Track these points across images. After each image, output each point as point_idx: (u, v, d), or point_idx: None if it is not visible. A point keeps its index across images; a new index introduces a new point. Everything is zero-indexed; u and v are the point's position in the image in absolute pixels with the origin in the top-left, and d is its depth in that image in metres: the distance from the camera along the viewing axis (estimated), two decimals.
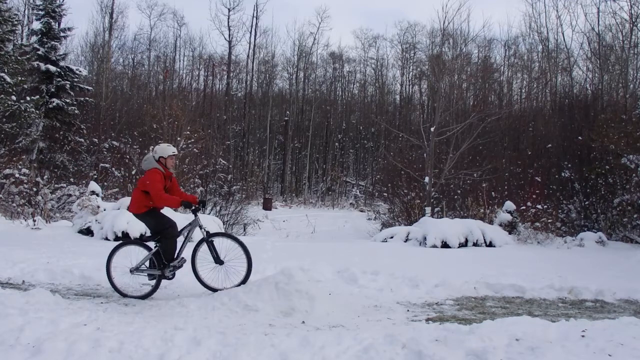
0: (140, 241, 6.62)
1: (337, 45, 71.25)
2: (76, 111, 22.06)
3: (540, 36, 30.89)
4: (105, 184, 18.60)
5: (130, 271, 5.95)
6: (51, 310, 4.67)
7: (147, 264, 5.96)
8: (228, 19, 39.95)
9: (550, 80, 29.29)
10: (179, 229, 5.99)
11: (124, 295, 5.95)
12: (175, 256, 5.89)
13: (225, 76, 41.60)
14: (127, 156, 20.26)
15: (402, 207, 17.38)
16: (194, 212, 5.92)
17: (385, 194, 20.42)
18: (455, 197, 17.32)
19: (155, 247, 5.89)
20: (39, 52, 21.33)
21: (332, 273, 7.23)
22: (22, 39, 27.51)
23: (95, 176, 18.79)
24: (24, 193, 15.56)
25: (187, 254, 6.02)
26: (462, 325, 4.47)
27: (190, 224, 6.05)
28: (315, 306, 5.17)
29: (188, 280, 6.89)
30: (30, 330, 3.91)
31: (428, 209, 15.25)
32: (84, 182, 17.60)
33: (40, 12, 22.15)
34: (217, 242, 5.96)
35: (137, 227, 11.25)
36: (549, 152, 19.12)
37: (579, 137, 16.16)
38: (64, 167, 20.74)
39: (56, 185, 17.85)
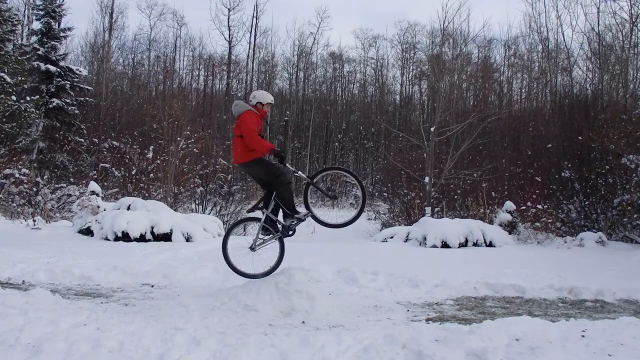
0: (246, 218, 6.43)
1: (337, 45, 71.19)
2: (76, 111, 22.08)
3: (540, 36, 30.93)
4: (105, 184, 18.62)
5: (251, 249, 5.74)
6: (51, 310, 4.67)
7: (262, 235, 5.76)
8: (228, 19, 40.00)
9: (550, 80, 29.30)
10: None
11: (250, 277, 5.71)
12: (294, 204, 5.65)
13: (225, 76, 41.61)
14: (127, 156, 20.27)
15: (402, 207, 17.39)
16: (282, 162, 5.65)
17: (385, 194, 20.42)
18: (455, 197, 17.33)
19: (263, 213, 5.68)
20: (39, 52, 21.34)
21: (332, 273, 7.23)
22: (22, 39, 27.54)
23: (95, 176, 18.80)
24: (24, 193, 15.58)
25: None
26: (462, 325, 4.47)
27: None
28: (315, 306, 5.17)
29: (188, 280, 6.90)
30: (30, 330, 3.90)
31: (428, 209, 15.26)
32: (84, 182, 17.62)
33: (40, 12, 22.17)
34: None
35: (137, 227, 11.25)
36: (549, 152, 19.13)
37: (579, 137, 16.16)
38: (64, 167, 20.75)
39: (56, 185, 17.87)
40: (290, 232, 5.74)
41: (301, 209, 5.73)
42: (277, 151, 5.43)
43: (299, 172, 5.73)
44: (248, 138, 5.39)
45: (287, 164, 5.66)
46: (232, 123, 40.42)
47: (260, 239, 5.78)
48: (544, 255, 10.86)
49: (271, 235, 5.75)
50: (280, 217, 5.74)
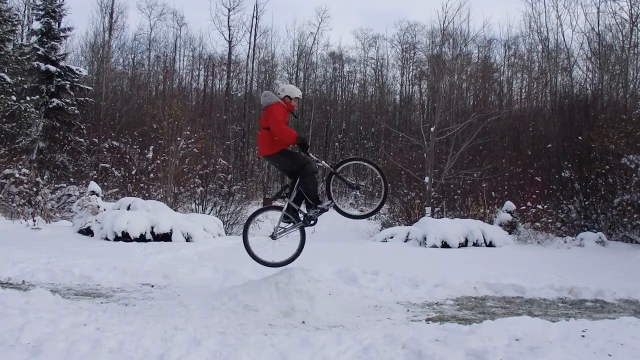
0: (267, 206, 6.51)
1: (337, 45, 71.10)
2: (76, 111, 22.08)
3: (540, 36, 30.88)
4: (105, 184, 18.62)
5: (272, 237, 5.76)
6: (51, 310, 4.66)
7: (283, 223, 5.77)
8: (228, 19, 39.91)
9: (550, 80, 29.27)
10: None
11: (272, 265, 5.77)
12: (317, 195, 5.64)
13: (225, 76, 41.58)
14: (127, 156, 20.28)
15: (402, 207, 17.40)
16: (305, 151, 5.65)
17: None
18: (455, 197, 17.34)
19: (285, 202, 5.70)
20: (39, 52, 21.34)
21: (332, 273, 7.22)
22: (22, 39, 27.52)
23: (95, 176, 18.80)
24: (24, 193, 15.58)
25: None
26: (462, 325, 4.47)
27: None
28: (315, 306, 5.17)
29: (188, 280, 6.90)
30: (30, 330, 3.90)
31: (428, 209, 15.26)
32: (84, 182, 17.63)
33: (40, 12, 22.17)
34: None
35: (137, 227, 11.26)
36: (549, 152, 19.14)
37: (579, 137, 16.17)
38: (64, 167, 20.75)
39: (56, 185, 17.87)
40: (312, 222, 5.73)
41: (324, 200, 5.74)
42: (302, 139, 5.47)
43: (322, 162, 5.72)
44: (274, 127, 5.40)
45: (310, 153, 5.66)
46: (232, 122, 40.44)
47: (282, 227, 5.78)
48: (544, 255, 10.86)
49: (292, 224, 5.77)
50: (302, 206, 5.75)
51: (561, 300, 6.49)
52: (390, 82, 47.26)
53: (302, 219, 5.72)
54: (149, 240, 11.24)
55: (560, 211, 15.36)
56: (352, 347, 3.85)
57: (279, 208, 5.82)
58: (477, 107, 21.19)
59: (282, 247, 5.81)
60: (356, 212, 5.77)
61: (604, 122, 15.12)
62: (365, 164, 5.90)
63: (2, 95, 17.32)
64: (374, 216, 20.77)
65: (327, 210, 5.71)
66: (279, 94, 5.74)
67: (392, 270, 7.39)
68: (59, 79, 21.49)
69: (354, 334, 4.19)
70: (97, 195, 12.99)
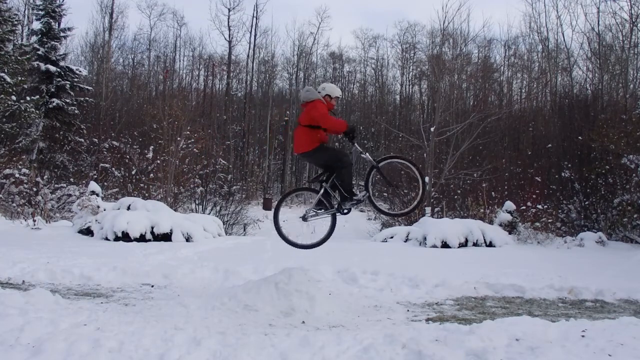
0: (302, 187, 6.57)
1: (337, 45, 71.12)
2: (76, 111, 22.07)
3: (540, 36, 30.86)
4: (105, 184, 18.62)
5: (304, 219, 5.80)
6: (51, 310, 4.66)
7: (316, 208, 5.80)
8: (228, 19, 39.89)
9: (550, 80, 29.26)
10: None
11: (299, 247, 5.84)
12: (352, 187, 5.68)
13: (225, 76, 41.56)
14: (127, 156, 20.28)
15: (402, 207, 17.37)
16: (352, 140, 5.71)
17: (385, 194, 20.44)
18: (455, 197, 17.35)
19: (321, 187, 5.72)
20: (39, 52, 21.34)
21: (332, 273, 7.23)
22: (22, 39, 27.50)
23: (95, 176, 18.80)
24: (24, 193, 15.57)
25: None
26: (462, 325, 4.46)
27: (350, 152, 5.92)
28: (315, 306, 5.17)
29: (188, 280, 6.90)
30: (30, 330, 3.90)
31: (428, 209, 15.27)
32: (84, 182, 17.62)
33: (40, 12, 22.17)
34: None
35: (137, 227, 11.26)
36: (549, 152, 19.16)
37: (579, 137, 16.18)
38: (64, 167, 20.75)
39: (56, 185, 17.87)
40: (345, 211, 5.78)
41: (358, 191, 5.76)
42: (352, 127, 5.57)
43: (366, 154, 5.74)
44: (322, 119, 5.48)
45: (355, 143, 5.69)
46: (232, 122, 40.32)
47: (314, 211, 5.82)
48: (544, 255, 10.87)
49: (324, 209, 5.79)
50: (337, 194, 5.78)
51: (561, 300, 6.49)
52: (390, 82, 47.33)
53: (335, 206, 5.76)
54: (149, 240, 11.24)
55: (560, 211, 15.37)
56: (352, 347, 3.85)
57: (315, 191, 5.87)
58: (477, 107, 21.18)
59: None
60: (392, 210, 5.79)
61: (604, 122, 15.13)
62: (407, 163, 5.91)
63: (2, 95, 17.31)
64: (374, 216, 20.77)
65: (362, 201, 5.76)
66: (319, 92, 5.79)
67: (392, 270, 7.39)
68: (59, 79, 21.49)
69: (354, 334, 4.20)
70: (97, 195, 12.99)
